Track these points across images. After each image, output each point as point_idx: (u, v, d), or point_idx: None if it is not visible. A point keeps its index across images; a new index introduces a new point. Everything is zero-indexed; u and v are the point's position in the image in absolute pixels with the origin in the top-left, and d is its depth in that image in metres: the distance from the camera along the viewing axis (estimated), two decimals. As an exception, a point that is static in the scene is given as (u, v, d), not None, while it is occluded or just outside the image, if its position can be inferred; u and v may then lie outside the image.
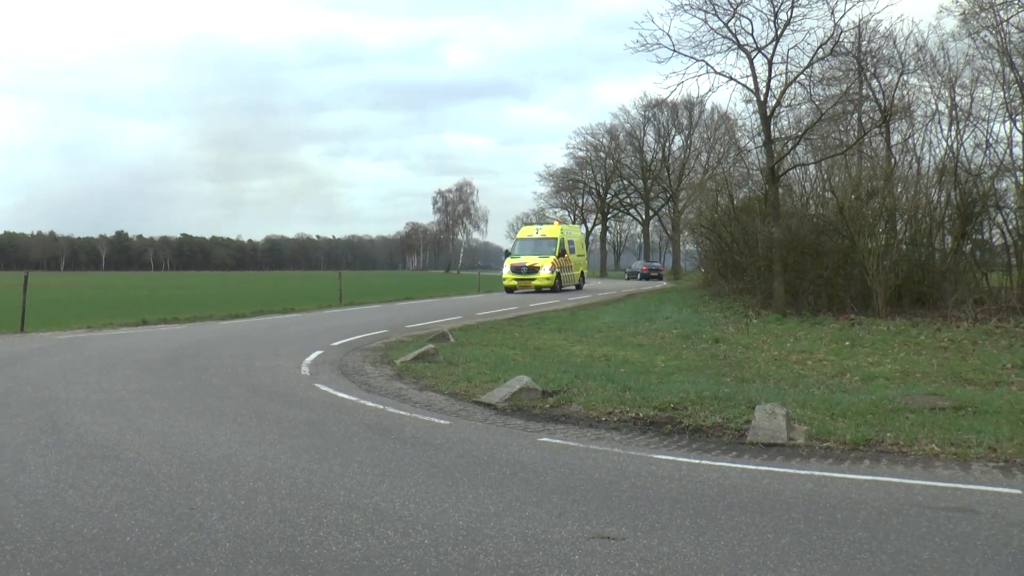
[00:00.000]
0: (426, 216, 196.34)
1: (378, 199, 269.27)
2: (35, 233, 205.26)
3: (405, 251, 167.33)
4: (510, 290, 39.64)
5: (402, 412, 9.27)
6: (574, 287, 42.81)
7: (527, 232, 43.42)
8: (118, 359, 13.82)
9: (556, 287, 39.40)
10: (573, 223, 55.27)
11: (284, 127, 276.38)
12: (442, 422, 8.72)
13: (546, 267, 39.01)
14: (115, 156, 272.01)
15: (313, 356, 14.20)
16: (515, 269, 39.59)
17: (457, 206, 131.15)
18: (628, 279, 72.95)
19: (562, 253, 40.54)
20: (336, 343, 16.34)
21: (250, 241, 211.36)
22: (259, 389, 10.93)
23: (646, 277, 71.44)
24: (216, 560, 4.62)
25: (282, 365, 13.17)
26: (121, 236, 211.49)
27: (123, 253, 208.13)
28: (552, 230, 42.28)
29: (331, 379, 11.74)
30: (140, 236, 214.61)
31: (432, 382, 11.31)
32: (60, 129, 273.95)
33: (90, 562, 4.60)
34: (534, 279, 39.08)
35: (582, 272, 45.19)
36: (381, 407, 9.58)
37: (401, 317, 24.00)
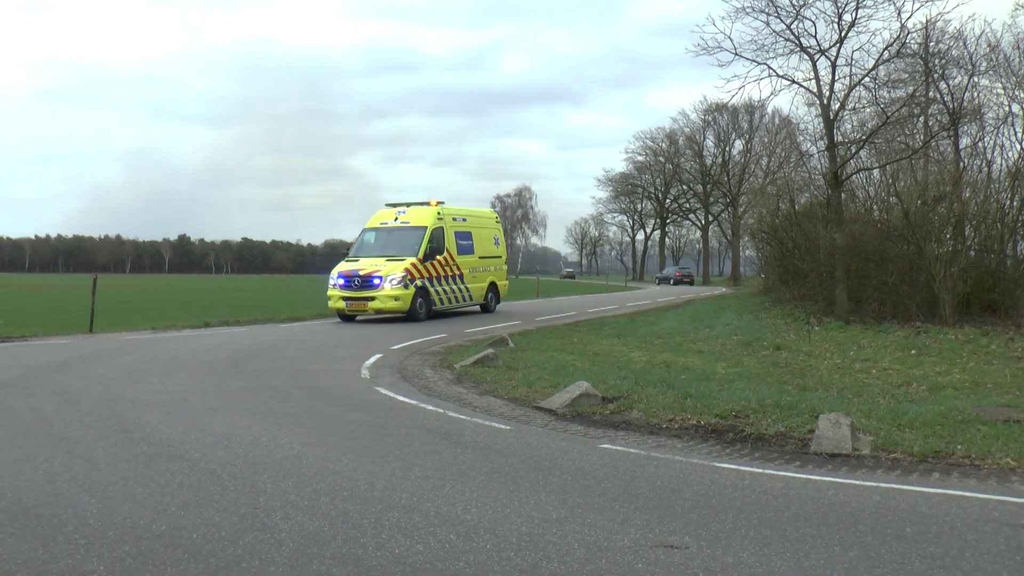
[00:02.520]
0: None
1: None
2: (102, 237, 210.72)
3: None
4: (343, 317, 23.92)
5: (462, 416, 9.30)
6: (477, 307, 27.15)
7: (381, 218, 25.81)
8: (182, 360, 14.12)
9: (416, 311, 23.30)
10: (492, 208, 33.48)
11: (341, 134, 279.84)
12: (502, 427, 8.73)
13: (394, 277, 22.94)
14: (178, 162, 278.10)
15: (373, 359, 14.33)
16: (346, 281, 23.50)
17: (516, 211, 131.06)
18: (659, 284, 74.64)
19: (433, 253, 24.33)
20: (395, 346, 16.48)
21: (309, 245, 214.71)
22: (320, 391, 11.07)
23: (678, 282, 73.83)
24: (280, 559, 4.68)
25: (342, 368, 13.32)
26: (184, 240, 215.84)
27: (185, 256, 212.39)
28: (421, 214, 25.16)
29: (391, 382, 11.84)
30: (202, 240, 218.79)
31: (492, 387, 11.34)
32: (126, 136, 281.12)
33: (159, 558, 4.70)
34: (371, 298, 22.95)
35: (492, 283, 27.82)
36: (441, 411, 9.63)
37: (459, 321, 24.10)
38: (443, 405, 10.05)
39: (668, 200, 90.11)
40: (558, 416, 9.34)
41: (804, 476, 6.75)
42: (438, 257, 24.53)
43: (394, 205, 25.92)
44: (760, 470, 6.96)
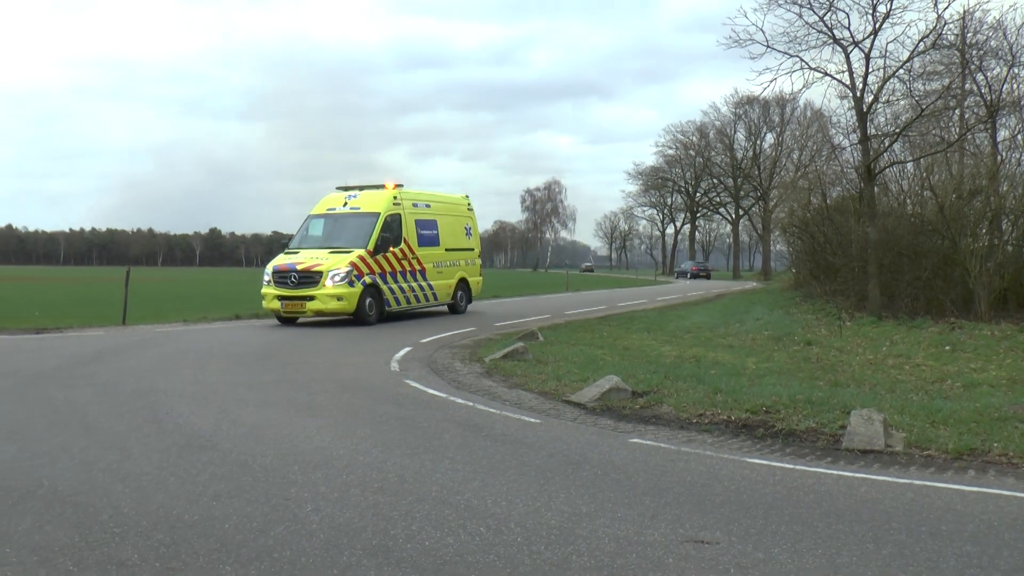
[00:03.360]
0: (513, 215, 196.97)
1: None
2: (135, 230, 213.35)
3: (492, 249, 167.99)
4: (281, 319, 20.47)
5: (492, 410, 9.31)
6: (444, 307, 23.76)
7: (329, 203, 22.16)
8: (213, 352, 14.26)
9: (364, 312, 19.86)
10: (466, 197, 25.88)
11: (373, 128, 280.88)
12: (532, 420, 8.73)
13: (336, 273, 19.47)
14: (210, 156, 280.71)
15: (402, 352, 14.38)
16: (281, 277, 19.97)
17: (545, 205, 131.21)
18: (678, 278, 77.56)
19: (387, 244, 20.83)
20: (425, 340, 16.53)
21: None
22: (349, 384, 11.13)
23: (695, 276, 76.59)
24: (311, 550, 4.72)
25: (372, 361, 13.38)
26: (215, 233, 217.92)
27: (216, 249, 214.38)
28: (374, 198, 21.59)
29: (421, 375, 11.88)
30: (232, 233, 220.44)
31: (522, 380, 11.34)
32: (159, 131, 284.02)
33: (191, 547, 4.75)
34: (309, 298, 19.47)
35: (462, 280, 24.22)
36: (471, 404, 9.65)
37: (489, 315, 24.13)
38: (473, 398, 10.07)
39: (698, 194, 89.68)
40: (588, 410, 9.32)
41: (836, 472, 6.69)
42: (393, 249, 20.95)
43: (345, 188, 22.39)
44: (791, 466, 6.90)
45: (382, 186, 22.09)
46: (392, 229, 21.09)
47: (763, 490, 6.12)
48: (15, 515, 5.28)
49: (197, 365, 12.63)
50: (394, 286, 20.97)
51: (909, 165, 24.57)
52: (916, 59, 21.51)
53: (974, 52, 22.96)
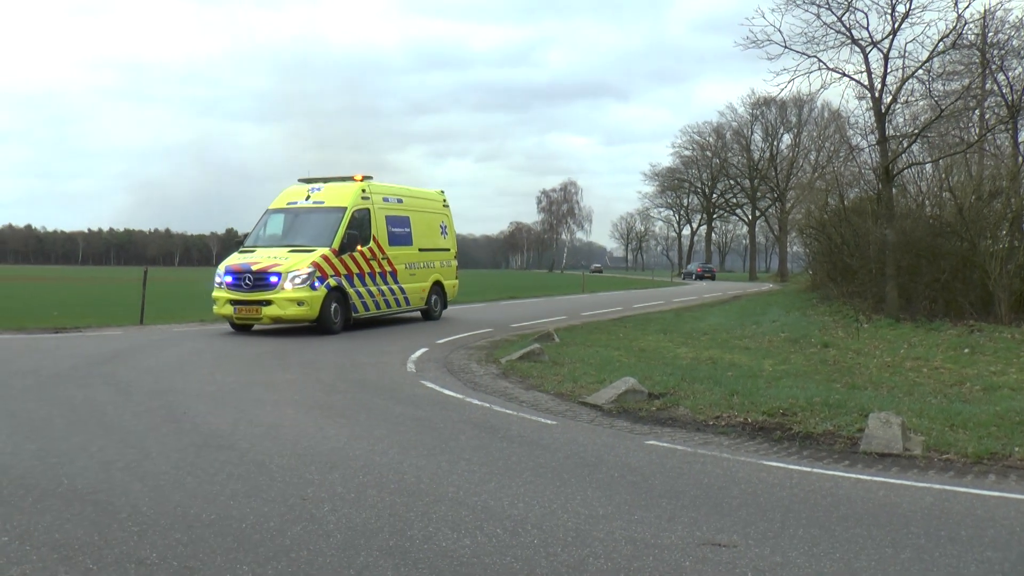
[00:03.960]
0: (529, 216, 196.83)
1: (481, 199, 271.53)
2: (152, 230, 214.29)
3: (509, 250, 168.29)
4: (234, 326, 18.37)
5: (508, 411, 9.32)
6: (417, 312, 21.95)
7: (290, 197, 19.96)
8: (229, 352, 14.32)
9: (328, 319, 17.76)
10: (441, 192, 23.94)
11: (389, 129, 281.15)
12: (549, 422, 8.73)
13: (297, 275, 17.35)
14: (226, 157, 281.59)
15: (418, 353, 14.41)
16: (235, 279, 17.87)
17: (561, 206, 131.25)
18: (684, 279, 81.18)
19: (353, 243, 18.70)
20: (441, 341, 16.55)
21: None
22: (366, 384, 11.16)
23: (700, 277, 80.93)
24: (328, 551, 4.73)
25: (388, 361, 13.41)
26: (231, 233, 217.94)
27: (233, 249, 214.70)
28: (340, 192, 19.40)
29: (437, 376, 11.90)
30: (248, 234, 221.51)
31: (538, 382, 11.34)
32: (176, 133, 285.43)
33: (209, 546, 4.77)
34: (266, 302, 17.35)
35: (436, 283, 22.18)
36: (487, 405, 9.65)
37: (505, 316, 24.15)
38: (489, 399, 10.07)
39: (715, 195, 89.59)
40: (604, 412, 9.31)
41: (854, 476, 6.66)
42: (361, 248, 18.86)
43: (308, 180, 20.12)
44: (808, 469, 6.87)
45: (350, 178, 19.87)
46: (360, 226, 19.03)
47: (780, 493, 6.09)
48: (35, 513, 5.32)
49: (214, 365, 12.69)
50: (361, 289, 18.86)
51: (928, 166, 24.41)
52: (936, 59, 21.35)
53: (995, 52, 22.71)
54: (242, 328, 18.15)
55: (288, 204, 19.72)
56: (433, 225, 22.53)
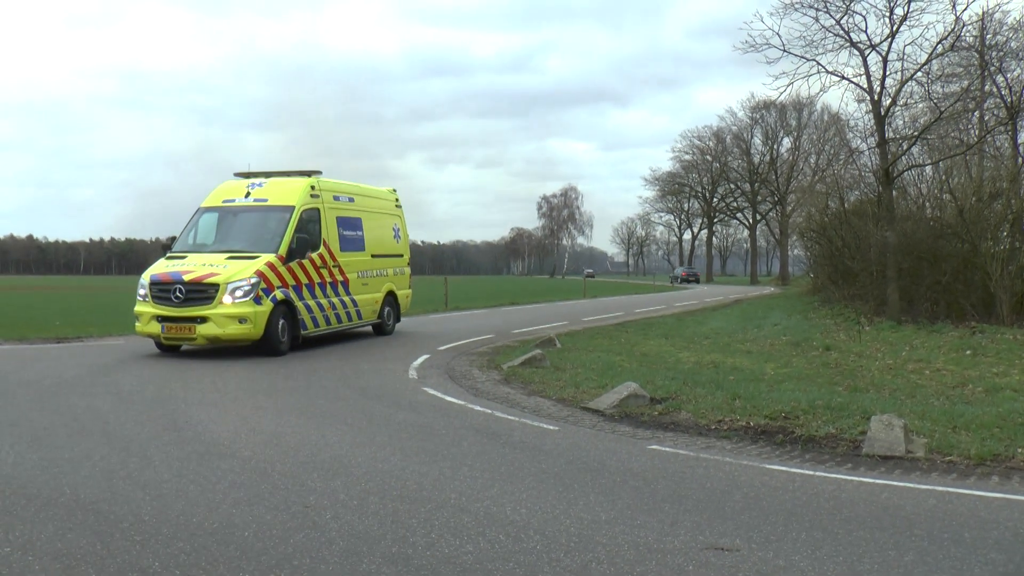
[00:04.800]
0: (530, 221, 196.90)
1: (482, 205, 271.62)
2: (153, 239, 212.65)
3: (510, 256, 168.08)
4: (161, 347, 15.69)
5: (510, 417, 9.32)
6: (369, 326, 18.97)
7: (226, 194, 17.09)
8: (231, 360, 14.31)
9: (275, 339, 15.02)
10: (392, 191, 21.00)
11: (389, 136, 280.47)
12: (551, 427, 8.72)
13: (239, 286, 14.66)
14: (228, 166, 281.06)
15: (420, 360, 14.41)
16: (158, 291, 15.02)
17: (562, 211, 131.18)
18: (672, 282, 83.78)
19: (304, 249, 16.01)
20: (443, 347, 16.55)
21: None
22: (368, 391, 11.16)
23: (684, 280, 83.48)
24: (331, 558, 4.73)
25: (390, 368, 13.42)
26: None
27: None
28: (286, 188, 16.77)
29: (439, 383, 11.90)
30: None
31: (540, 387, 11.33)
32: (177, 142, 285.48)
33: (211, 555, 4.78)
34: (201, 319, 14.60)
35: (390, 294, 19.50)
36: (489, 411, 9.65)
37: (507, 322, 24.15)
38: (491, 405, 10.07)
39: (715, 199, 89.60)
40: (606, 417, 9.31)
41: (856, 479, 6.65)
42: (311, 255, 16.20)
43: (247, 175, 17.35)
44: (811, 472, 6.87)
45: (297, 173, 17.42)
46: (309, 229, 16.32)
47: (783, 497, 6.09)
48: (38, 522, 5.33)
49: (215, 373, 12.69)
50: (311, 302, 16.13)
51: (928, 168, 24.41)
52: (934, 61, 21.37)
53: (994, 53, 22.72)
54: (168, 348, 15.56)
55: (224, 202, 16.81)
56: (386, 227, 19.92)
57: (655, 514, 5.62)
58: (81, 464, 6.92)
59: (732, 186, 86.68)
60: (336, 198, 17.65)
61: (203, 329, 14.55)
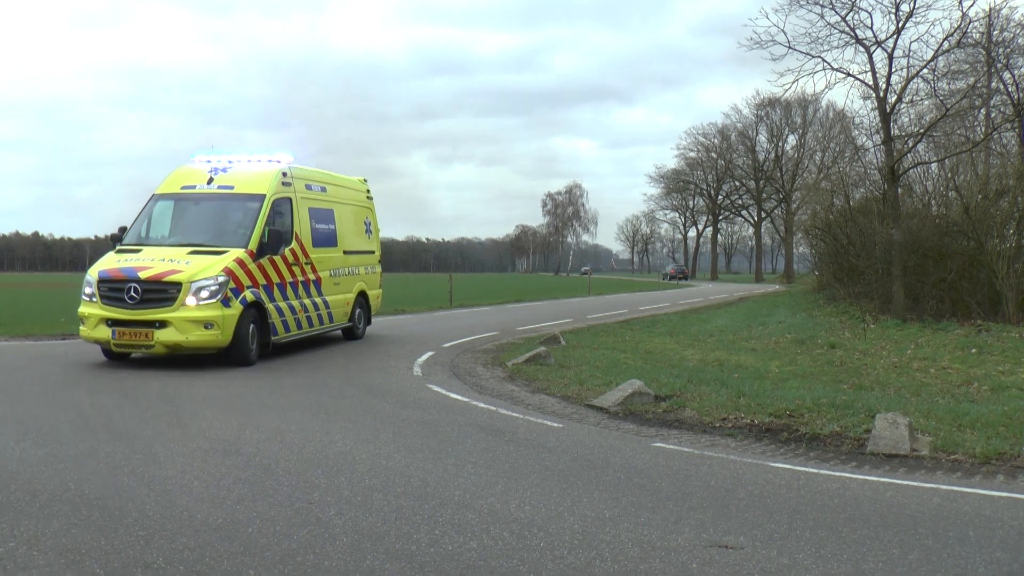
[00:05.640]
0: (535, 219, 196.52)
1: (486, 202, 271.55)
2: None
3: (514, 253, 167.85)
4: (109, 355, 13.48)
5: (515, 414, 9.32)
6: (339, 329, 17.14)
7: (185, 179, 14.74)
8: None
9: (244, 346, 13.06)
10: (363, 180, 18.77)
11: (393, 134, 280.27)
12: (555, 425, 8.73)
13: (203, 285, 12.62)
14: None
15: (425, 357, 14.41)
16: (108, 290, 12.88)
17: (567, 208, 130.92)
18: (662, 279, 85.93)
19: (276, 243, 13.99)
20: (447, 344, 16.55)
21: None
22: (372, 388, 11.17)
23: (673, 278, 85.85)
24: (334, 554, 4.74)
25: (394, 365, 13.42)
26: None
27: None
28: (255, 175, 14.60)
29: (443, 380, 11.90)
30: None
31: (544, 385, 11.33)
32: (182, 140, 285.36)
33: (216, 551, 4.79)
34: (160, 323, 12.52)
35: (361, 294, 17.74)
36: (493, 409, 9.65)
37: (511, 319, 24.14)
38: (495, 403, 10.08)
39: (720, 196, 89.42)
40: (610, 414, 9.31)
41: (861, 477, 6.65)
42: (284, 250, 14.32)
43: (208, 159, 15.08)
44: (815, 470, 6.86)
45: (264, 158, 15.11)
46: (281, 221, 14.43)
47: (787, 495, 6.09)
48: (43, 518, 5.34)
49: (220, 370, 12.69)
50: (282, 304, 14.31)
51: (934, 166, 24.34)
52: (940, 58, 21.32)
53: (1000, 50, 22.69)
54: (117, 356, 13.52)
55: (183, 188, 14.63)
56: (358, 221, 18.04)
57: (659, 512, 5.62)
58: (86, 460, 6.94)
59: (737, 183, 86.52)
60: (308, 187, 15.76)
61: (162, 335, 12.57)
